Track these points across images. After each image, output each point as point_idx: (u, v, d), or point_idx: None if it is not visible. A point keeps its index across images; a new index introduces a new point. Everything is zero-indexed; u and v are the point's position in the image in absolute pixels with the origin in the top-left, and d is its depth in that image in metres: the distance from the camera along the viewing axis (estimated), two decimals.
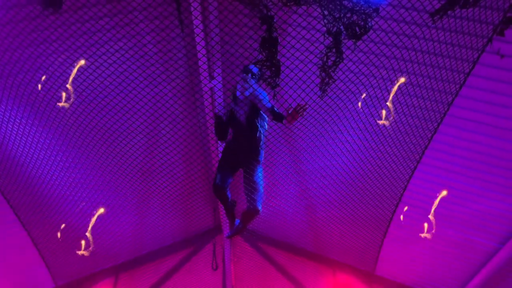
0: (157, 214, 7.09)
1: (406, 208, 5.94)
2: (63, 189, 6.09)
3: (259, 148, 3.83)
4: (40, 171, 5.73)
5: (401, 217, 5.94)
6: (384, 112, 4.25)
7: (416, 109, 4.87)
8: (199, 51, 4.74)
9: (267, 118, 3.89)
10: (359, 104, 4.52)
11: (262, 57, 3.44)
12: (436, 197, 5.88)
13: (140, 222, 7.20)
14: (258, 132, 3.78)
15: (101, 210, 5.91)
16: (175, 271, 7.82)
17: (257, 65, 3.62)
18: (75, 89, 4.75)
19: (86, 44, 4.45)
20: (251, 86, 3.72)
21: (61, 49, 4.39)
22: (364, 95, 4.43)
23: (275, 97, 3.62)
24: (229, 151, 3.92)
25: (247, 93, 3.73)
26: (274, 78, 3.44)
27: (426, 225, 5.50)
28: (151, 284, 7.74)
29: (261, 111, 3.79)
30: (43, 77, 4.42)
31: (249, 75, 3.72)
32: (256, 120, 3.77)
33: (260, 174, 3.92)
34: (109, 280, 7.73)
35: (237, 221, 4.18)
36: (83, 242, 6.13)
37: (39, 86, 4.42)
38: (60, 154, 5.60)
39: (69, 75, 4.51)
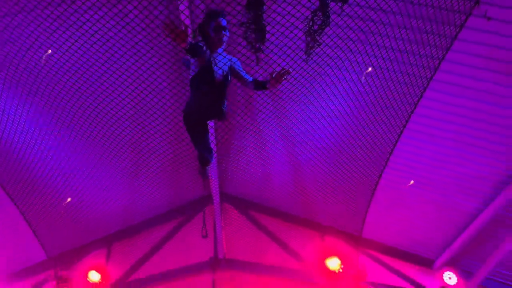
0: (148, 183, 7.11)
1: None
2: (50, 162, 6.07)
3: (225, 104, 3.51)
4: (26, 144, 5.68)
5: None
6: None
7: (403, 74, 4.87)
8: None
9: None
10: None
11: (247, 20, 3.34)
12: (422, 162, 6.01)
13: (131, 192, 7.22)
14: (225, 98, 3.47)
15: None
16: (168, 239, 7.92)
17: (242, 26, 3.38)
18: (63, 64, 4.67)
19: (66, 13, 4.31)
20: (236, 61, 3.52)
21: (40, 18, 4.25)
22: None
23: (258, 63, 3.52)
24: (196, 116, 3.48)
25: (226, 60, 3.40)
26: (259, 43, 3.35)
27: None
28: (144, 253, 7.84)
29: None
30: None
31: (227, 32, 3.27)
32: (227, 86, 3.44)
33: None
34: (102, 250, 7.82)
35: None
36: None
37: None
38: (47, 128, 5.54)
39: (50, 46, 4.41)
